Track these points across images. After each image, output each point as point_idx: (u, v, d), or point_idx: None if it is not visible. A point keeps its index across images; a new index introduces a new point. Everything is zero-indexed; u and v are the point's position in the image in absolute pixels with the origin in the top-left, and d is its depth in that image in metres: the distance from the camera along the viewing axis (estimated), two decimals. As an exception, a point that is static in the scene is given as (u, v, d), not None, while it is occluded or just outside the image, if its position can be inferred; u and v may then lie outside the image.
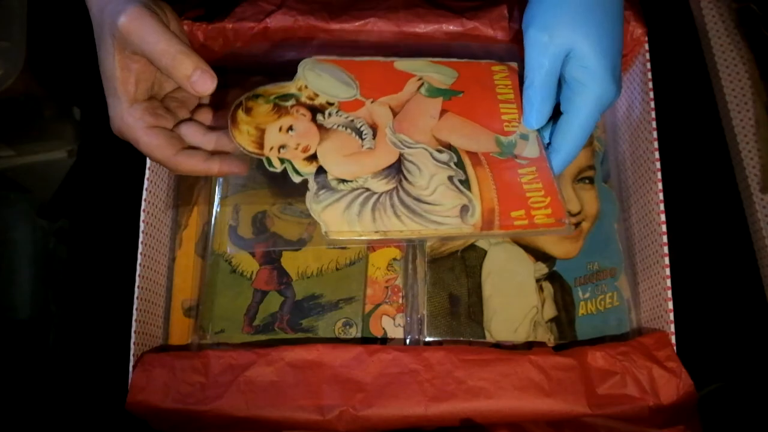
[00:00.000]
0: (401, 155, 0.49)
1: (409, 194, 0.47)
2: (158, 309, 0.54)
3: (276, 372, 0.48)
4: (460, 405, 0.47)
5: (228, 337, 0.54)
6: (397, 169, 0.48)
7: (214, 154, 0.47)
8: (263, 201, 0.56)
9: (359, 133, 0.49)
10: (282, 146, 0.48)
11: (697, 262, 0.60)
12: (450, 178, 0.48)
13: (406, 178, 0.48)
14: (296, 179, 0.47)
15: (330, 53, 0.54)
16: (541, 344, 0.54)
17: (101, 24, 0.43)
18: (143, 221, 0.51)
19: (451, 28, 0.54)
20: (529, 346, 0.53)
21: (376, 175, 0.48)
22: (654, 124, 0.54)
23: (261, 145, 0.47)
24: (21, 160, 0.69)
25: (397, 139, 0.49)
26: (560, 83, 0.49)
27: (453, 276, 0.54)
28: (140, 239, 0.51)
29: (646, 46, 0.56)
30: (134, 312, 0.50)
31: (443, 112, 0.51)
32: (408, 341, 0.54)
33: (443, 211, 0.47)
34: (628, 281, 0.56)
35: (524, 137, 0.50)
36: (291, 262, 0.55)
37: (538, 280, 0.55)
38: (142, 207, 0.51)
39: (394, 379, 0.48)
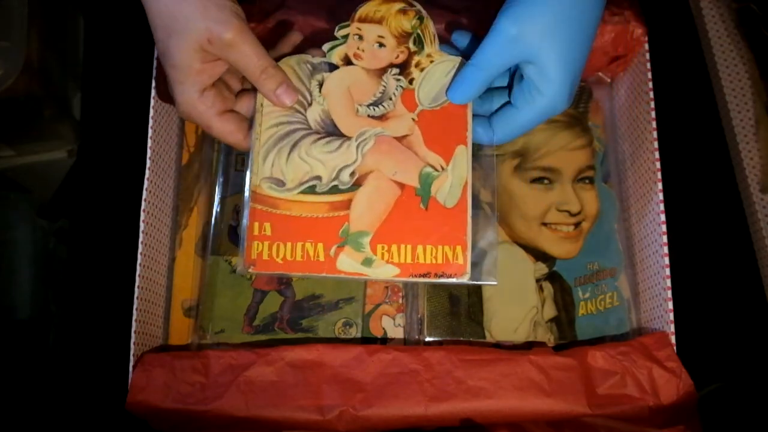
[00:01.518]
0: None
1: None
2: (158, 309, 0.54)
3: (276, 372, 0.48)
4: (460, 405, 0.47)
5: (228, 337, 0.54)
6: None
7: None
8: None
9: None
10: None
11: (697, 262, 0.60)
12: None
13: None
14: None
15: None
16: (541, 344, 0.54)
17: (179, 19, 0.44)
18: (143, 221, 0.51)
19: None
20: (529, 346, 0.53)
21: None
22: (654, 124, 0.54)
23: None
24: (21, 160, 0.69)
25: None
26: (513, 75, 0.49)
27: None
28: (140, 239, 0.51)
29: (646, 46, 0.56)
30: (134, 312, 0.50)
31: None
32: (408, 341, 0.54)
33: None
34: (628, 281, 0.56)
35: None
36: (291, 262, 0.55)
37: (537, 280, 0.55)
38: (142, 207, 0.51)
39: (394, 379, 0.48)
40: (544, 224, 0.56)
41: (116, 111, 0.68)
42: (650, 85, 0.54)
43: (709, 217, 0.62)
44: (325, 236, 0.48)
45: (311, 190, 0.48)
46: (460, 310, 0.54)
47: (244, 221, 0.48)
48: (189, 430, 0.49)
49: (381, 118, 0.50)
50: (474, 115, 0.50)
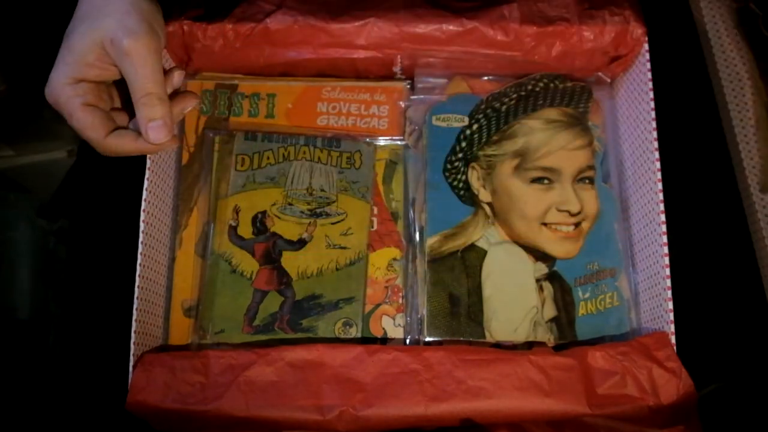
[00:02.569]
0: None
1: None
2: (158, 309, 0.54)
3: (276, 372, 0.48)
4: (460, 405, 0.47)
5: (228, 337, 0.54)
6: None
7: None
8: (263, 201, 0.56)
9: None
10: None
11: (697, 262, 0.60)
12: None
13: None
14: None
15: (330, 54, 0.54)
16: (541, 344, 0.53)
17: (100, 9, 0.44)
18: (143, 221, 0.51)
19: (450, 27, 0.54)
20: (529, 346, 0.53)
21: None
22: (654, 124, 0.54)
23: None
24: (21, 160, 0.69)
25: None
26: None
27: (453, 276, 0.55)
28: (140, 239, 0.51)
29: (646, 46, 0.55)
30: (134, 312, 0.50)
31: None
32: (408, 341, 0.54)
33: None
34: (628, 281, 0.56)
35: None
36: (291, 262, 0.55)
37: (538, 280, 0.55)
38: (142, 207, 0.51)
39: (394, 379, 0.48)
40: (544, 224, 0.56)
41: (116, 111, 0.68)
42: (650, 85, 0.54)
43: (709, 217, 0.62)
44: None
45: None
46: (460, 310, 0.54)
47: None
48: (189, 430, 0.49)
49: None
50: None
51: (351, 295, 0.55)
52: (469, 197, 0.57)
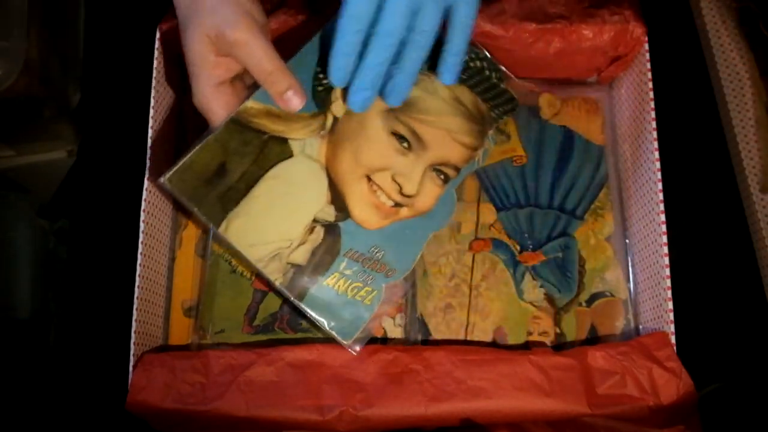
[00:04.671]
0: None
1: None
2: (158, 309, 0.54)
3: (276, 372, 0.48)
4: (460, 405, 0.47)
5: (228, 337, 0.54)
6: None
7: None
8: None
9: None
10: None
11: (697, 262, 0.60)
12: None
13: None
14: None
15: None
16: (541, 344, 0.54)
17: (196, 11, 0.45)
18: (143, 221, 0.51)
19: (451, 27, 0.54)
20: (528, 346, 0.53)
21: None
22: (654, 124, 0.54)
23: None
24: (21, 160, 0.69)
25: None
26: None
27: (240, 150, 0.48)
28: (140, 239, 0.51)
29: (646, 46, 0.55)
30: (134, 312, 0.50)
31: None
32: (408, 341, 0.54)
33: None
34: (627, 281, 0.56)
35: None
36: (291, 262, 0.55)
37: (315, 221, 0.50)
38: (142, 207, 0.51)
39: (394, 379, 0.48)
40: (369, 178, 0.51)
41: (116, 111, 0.68)
42: (650, 85, 0.54)
43: (709, 217, 0.62)
44: None
45: None
46: (218, 184, 0.48)
47: None
48: (189, 430, 0.49)
49: None
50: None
51: (351, 295, 0.55)
52: (321, 99, 0.50)
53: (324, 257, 0.50)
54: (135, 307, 0.50)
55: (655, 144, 0.53)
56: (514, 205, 0.58)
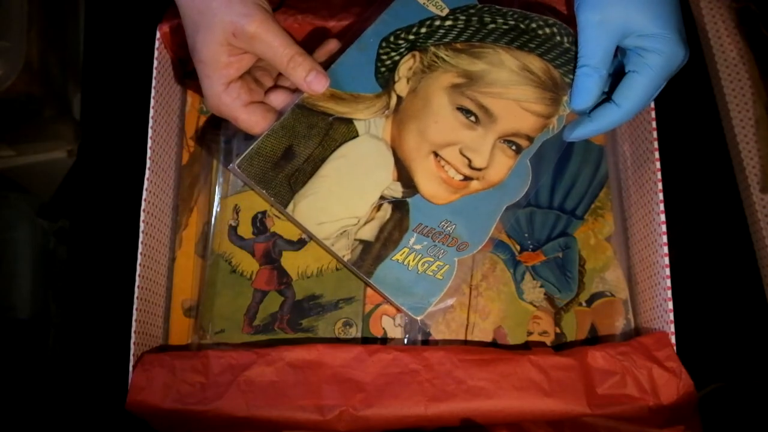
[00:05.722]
0: None
1: None
2: (158, 309, 0.54)
3: (276, 372, 0.48)
4: (460, 405, 0.47)
5: (228, 337, 0.54)
6: None
7: None
8: (263, 201, 0.56)
9: None
10: None
11: (697, 262, 0.60)
12: None
13: None
14: None
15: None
16: (541, 344, 0.54)
17: (205, 14, 0.45)
18: (143, 221, 0.51)
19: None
20: (528, 346, 0.53)
21: None
22: (654, 124, 0.54)
23: None
24: (21, 160, 0.69)
25: None
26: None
27: (307, 132, 0.49)
28: (140, 239, 0.51)
29: (646, 46, 0.55)
30: (134, 312, 0.50)
31: None
32: (408, 341, 0.54)
33: None
34: (627, 281, 0.56)
35: None
36: (291, 262, 0.55)
37: (383, 197, 0.50)
38: (142, 207, 0.51)
39: (394, 379, 0.48)
40: (436, 154, 0.51)
41: (116, 111, 0.68)
42: (650, 85, 0.54)
43: (709, 217, 0.62)
44: None
45: None
46: (286, 167, 0.49)
47: None
48: (189, 430, 0.49)
49: None
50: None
51: (351, 295, 0.55)
52: (384, 79, 0.51)
53: (392, 233, 0.50)
54: (135, 307, 0.50)
55: (655, 144, 0.53)
56: (515, 205, 0.58)
